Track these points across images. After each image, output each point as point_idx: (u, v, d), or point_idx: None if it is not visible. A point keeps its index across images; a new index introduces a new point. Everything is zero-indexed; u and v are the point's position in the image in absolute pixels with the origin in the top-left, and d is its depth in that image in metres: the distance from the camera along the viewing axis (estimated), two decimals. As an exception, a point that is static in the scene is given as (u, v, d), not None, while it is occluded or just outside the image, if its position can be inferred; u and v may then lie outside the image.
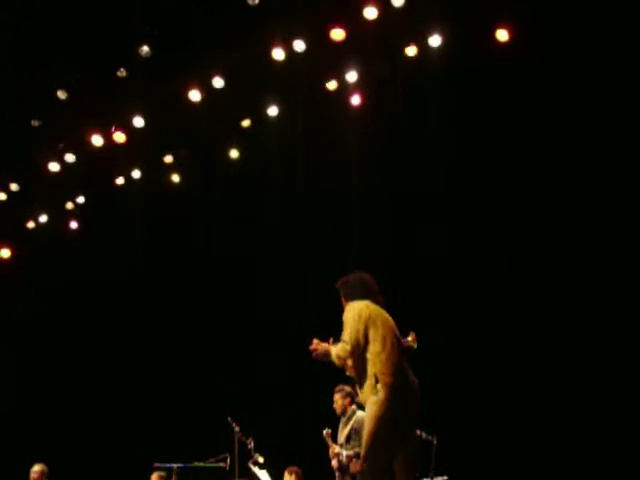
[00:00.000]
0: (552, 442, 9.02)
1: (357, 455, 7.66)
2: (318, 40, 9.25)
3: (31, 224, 12.21)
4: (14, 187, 11.50)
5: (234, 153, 11.32)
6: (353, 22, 9.02)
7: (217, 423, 9.07)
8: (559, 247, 9.30)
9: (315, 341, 5.49)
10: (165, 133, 10.97)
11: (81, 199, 12.01)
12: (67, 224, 12.29)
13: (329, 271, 6.20)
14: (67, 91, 9.89)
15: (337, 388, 8.10)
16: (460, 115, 9.85)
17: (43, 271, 12.27)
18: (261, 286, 11.35)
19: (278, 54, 9.42)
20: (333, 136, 10.66)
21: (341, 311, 5.49)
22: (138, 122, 10.42)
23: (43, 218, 12.14)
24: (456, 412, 9.41)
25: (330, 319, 5.68)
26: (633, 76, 8.80)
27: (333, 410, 8.13)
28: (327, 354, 5.40)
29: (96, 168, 11.37)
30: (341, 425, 8.11)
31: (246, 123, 10.88)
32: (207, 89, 10.03)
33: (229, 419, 8.68)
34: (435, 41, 9.21)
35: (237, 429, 8.61)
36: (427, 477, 8.09)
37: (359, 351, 5.27)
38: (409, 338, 5.62)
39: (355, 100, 10.27)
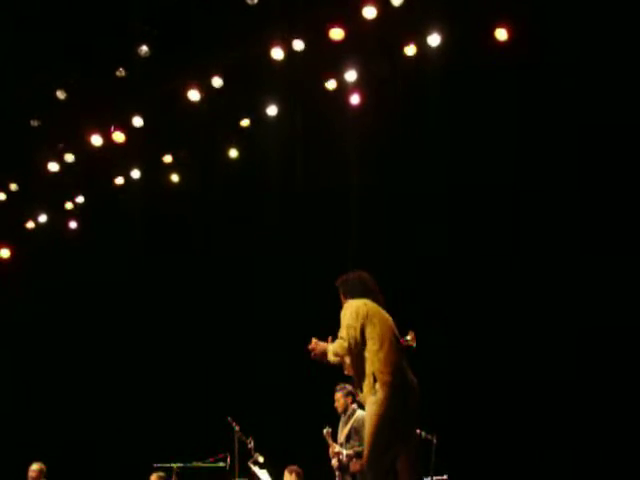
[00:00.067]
0: (551, 442, 9.02)
1: (357, 454, 7.67)
2: (317, 39, 9.24)
3: (30, 224, 12.20)
4: (13, 187, 11.49)
5: (233, 153, 11.31)
6: (352, 21, 9.01)
7: (217, 423, 9.06)
8: (559, 247, 9.31)
9: (314, 340, 5.51)
10: (164, 133, 10.96)
11: (80, 199, 11.99)
12: (66, 224, 12.28)
13: (329, 271, 6.20)
14: (66, 91, 9.89)
15: (338, 387, 8.10)
16: (459, 115, 9.85)
17: (43, 271, 12.26)
18: (260, 286, 11.34)
19: (277, 54, 9.41)
20: (332, 136, 10.66)
21: (340, 310, 5.50)
22: (137, 122, 10.42)
23: (42, 218, 12.13)
24: (456, 411, 9.41)
25: (330, 319, 5.68)
26: (633, 76, 8.80)
27: (333, 409, 8.13)
28: (325, 354, 5.41)
29: (95, 168, 11.36)
30: (341, 424, 8.11)
31: (245, 123, 10.87)
32: (206, 89, 10.02)
33: (229, 419, 8.69)
34: (434, 40, 9.20)
35: (237, 429, 8.61)
36: (427, 476, 8.09)
37: (357, 349, 5.27)
38: (408, 337, 5.62)
39: (354, 100, 10.26)
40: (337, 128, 10.55)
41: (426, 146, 10.05)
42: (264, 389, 10.92)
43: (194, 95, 10.07)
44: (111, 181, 11.68)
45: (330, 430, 8.11)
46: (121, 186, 11.70)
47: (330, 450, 8.03)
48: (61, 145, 10.96)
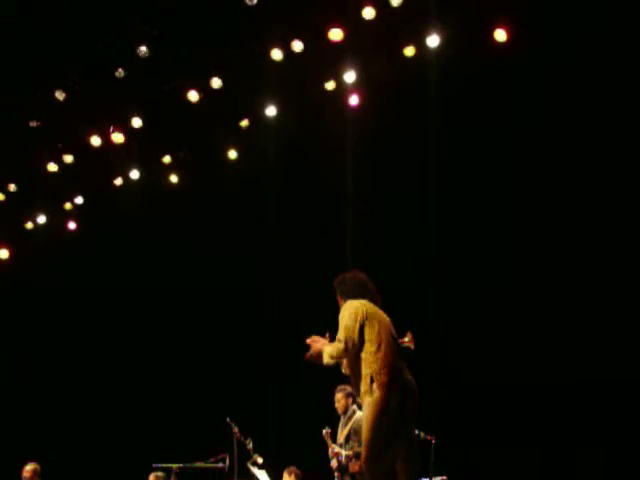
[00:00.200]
0: (551, 441, 9.02)
1: (356, 455, 7.66)
2: (316, 40, 9.25)
3: (29, 224, 12.19)
4: (12, 187, 11.48)
5: (232, 153, 11.30)
6: (351, 22, 9.01)
7: (216, 423, 9.05)
8: (558, 248, 9.32)
9: (314, 337, 5.48)
10: (163, 133, 10.96)
11: (79, 199, 11.99)
12: (65, 225, 12.27)
13: (328, 271, 6.19)
14: (65, 91, 9.88)
15: (339, 387, 8.09)
16: (458, 115, 9.85)
17: (41, 272, 12.25)
18: (260, 285, 11.34)
19: (276, 54, 9.42)
20: (332, 136, 10.66)
21: (338, 310, 5.49)
22: (136, 122, 10.42)
23: (41, 219, 12.11)
24: (454, 412, 9.41)
25: (329, 319, 5.68)
26: (632, 76, 8.80)
27: (333, 410, 8.12)
28: (320, 355, 5.36)
29: (94, 169, 11.35)
30: (341, 425, 8.11)
31: (244, 123, 10.87)
32: (205, 89, 10.02)
33: (228, 419, 8.68)
34: (433, 41, 9.20)
35: (236, 429, 8.61)
36: (426, 477, 8.09)
37: (354, 350, 5.25)
38: (406, 338, 5.62)
39: (353, 100, 10.26)
40: (336, 129, 10.55)
41: (425, 146, 10.05)
42: (264, 389, 10.92)
43: (193, 96, 10.07)
44: (110, 182, 11.67)
45: (329, 431, 8.10)
46: (120, 187, 11.69)
47: (329, 451, 8.02)
48: (60, 145, 10.96)
